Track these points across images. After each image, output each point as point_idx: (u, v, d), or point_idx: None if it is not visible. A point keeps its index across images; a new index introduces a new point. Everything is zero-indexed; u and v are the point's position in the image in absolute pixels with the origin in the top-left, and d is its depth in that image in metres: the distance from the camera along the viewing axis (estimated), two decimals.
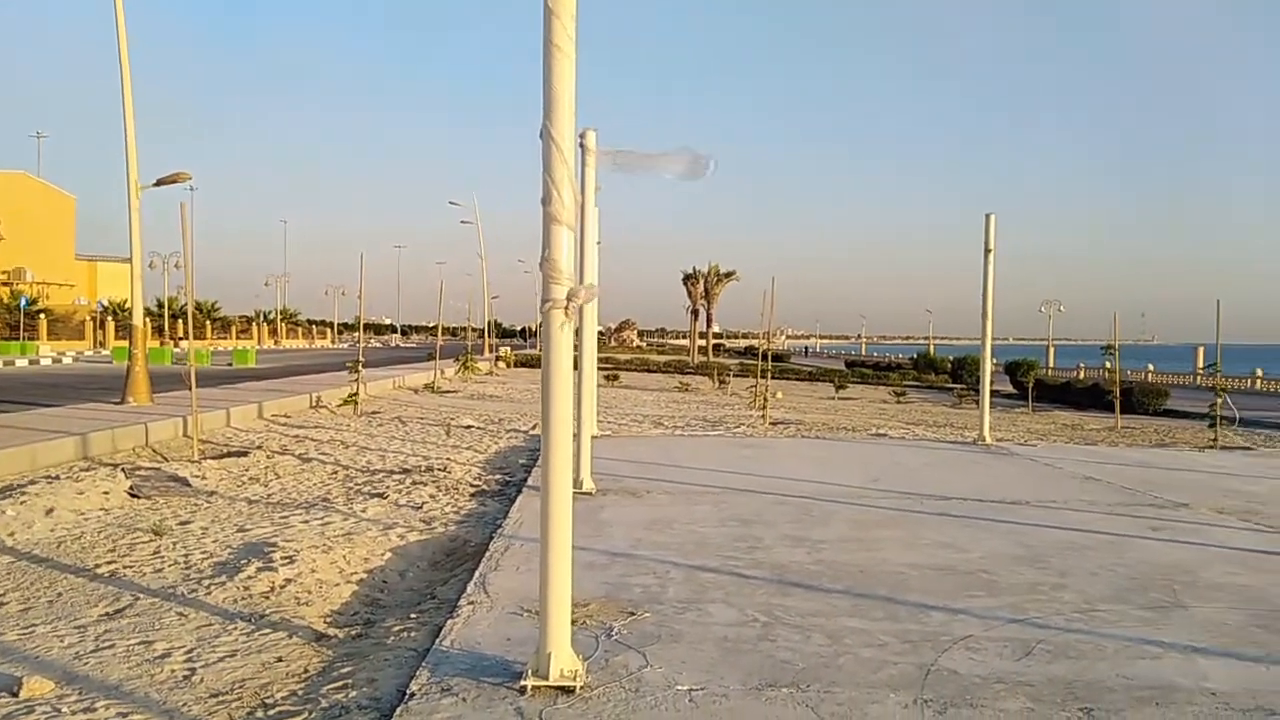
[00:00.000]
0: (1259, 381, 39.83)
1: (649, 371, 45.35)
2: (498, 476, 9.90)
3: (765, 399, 18.67)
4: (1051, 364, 54.48)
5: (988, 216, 14.15)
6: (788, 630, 4.47)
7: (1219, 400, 16.71)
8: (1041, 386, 32.36)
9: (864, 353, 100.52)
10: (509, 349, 55.12)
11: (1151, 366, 47.31)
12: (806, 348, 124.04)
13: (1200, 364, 38.92)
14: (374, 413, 17.09)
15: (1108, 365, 23.57)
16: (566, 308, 3.68)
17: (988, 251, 14.14)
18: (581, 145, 7.87)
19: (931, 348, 76.20)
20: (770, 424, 16.92)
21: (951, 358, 49.51)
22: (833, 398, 29.63)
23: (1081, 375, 42.48)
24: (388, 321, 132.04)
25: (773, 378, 35.45)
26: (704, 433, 15.17)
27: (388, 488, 8.94)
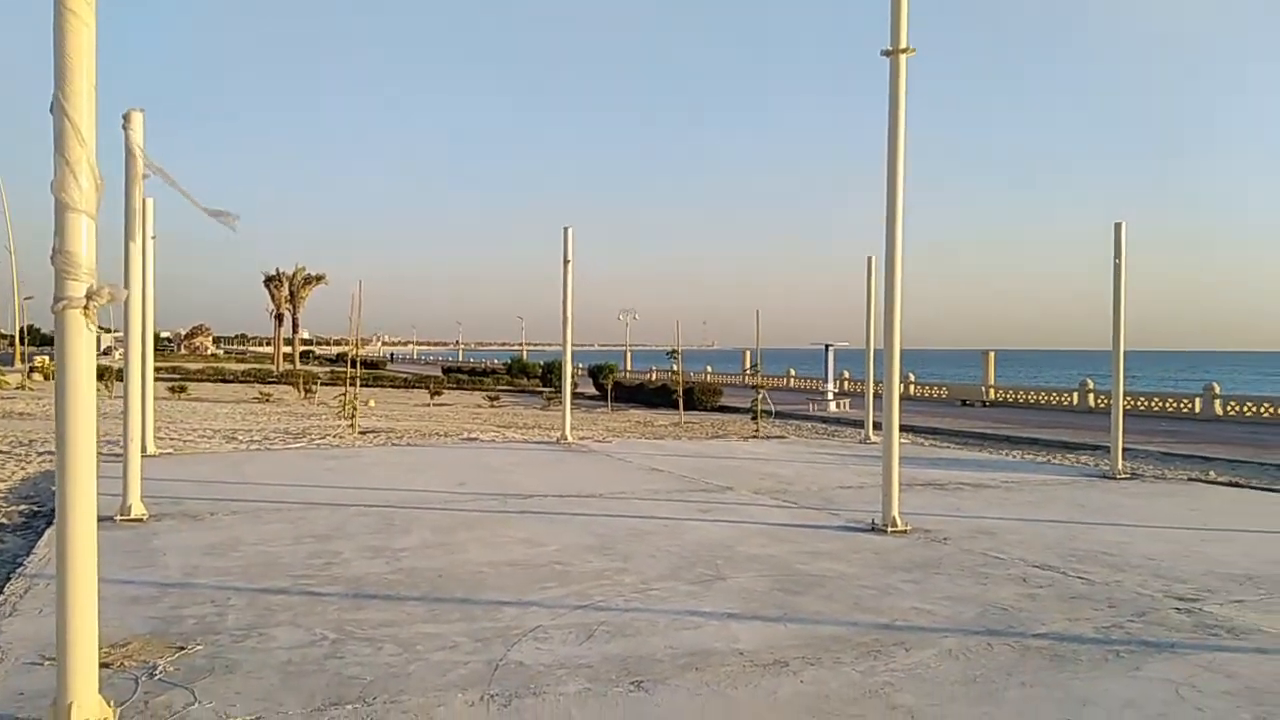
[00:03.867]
0: (792, 380, 46.82)
1: (225, 381, 41.82)
2: (22, 507, 8.44)
3: (354, 407, 18.04)
4: (629, 367, 59.31)
5: (566, 229, 15.01)
6: (358, 645, 4.32)
7: (759, 396, 19.38)
8: (620, 388, 35.07)
9: (461, 358, 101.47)
10: (47, 358, 47.35)
11: (710, 368, 53.52)
12: (393, 354, 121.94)
13: (747, 365, 44.67)
14: None
15: (674, 368, 26.20)
16: (86, 308, 3.22)
17: (566, 262, 14.99)
18: (124, 128, 6.99)
19: (525, 353, 79.01)
20: (359, 433, 16.41)
21: (543, 362, 51.88)
22: (428, 404, 29.54)
23: (653, 377, 46.70)
24: None
25: (366, 385, 34.43)
26: (285, 446, 14.27)
27: None
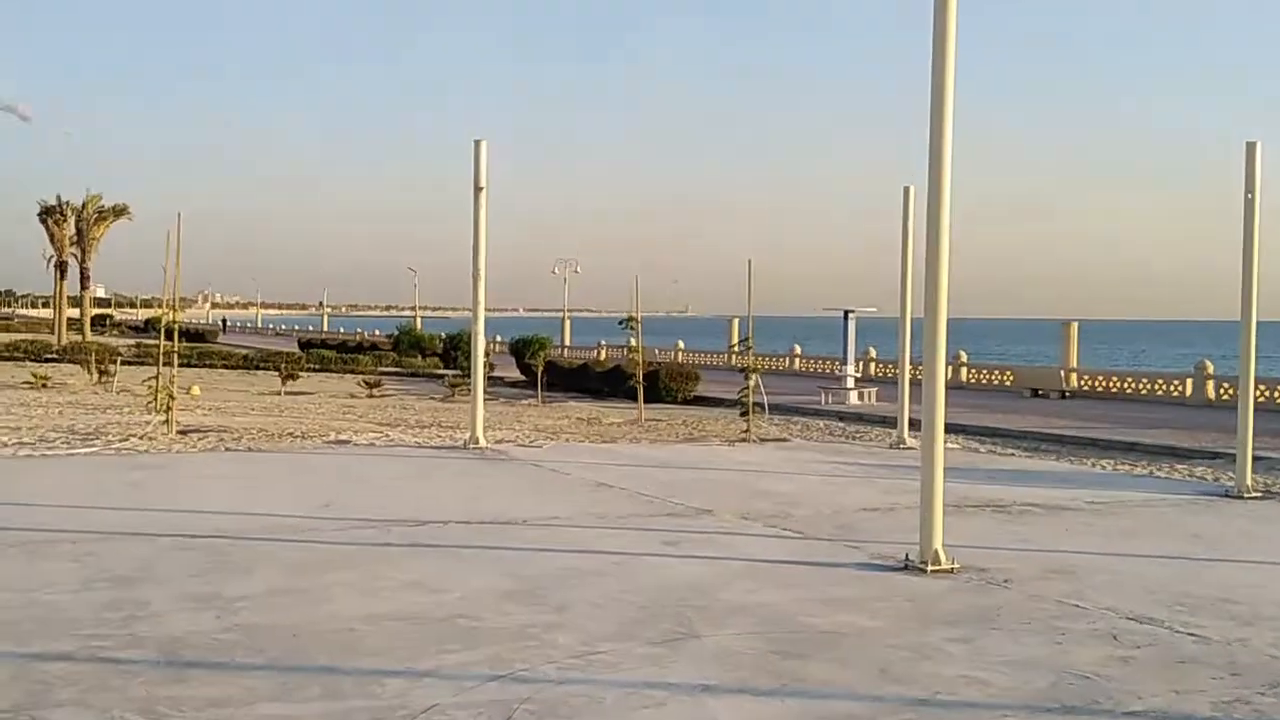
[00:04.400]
0: (798, 360, 47.10)
1: None
2: None
3: (171, 396, 17.84)
4: (568, 340, 59.32)
5: (477, 143, 14.94)
6: None
7: (751, 384, 19.43)
8: (555, 371, 35.15)
9: (327, 327, 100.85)
10: None
11: (681, 344, 53.64)
12: (225, 319, 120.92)
13: (734, 339, 44.88)
14: None
15: (631, 342, 26.10)
16: None
17: (479, 190, 14.92)
18: None
19: (419, 321, 78.63)
20: (178, 433, 16.29)
21: (445, 334, 51.59)
22: (279, 392, 29.31)
23: (602, 356, 46.84)
24: None
25: (189, 365, 34.09)
26: (70, 451, 14.15)
27: None
